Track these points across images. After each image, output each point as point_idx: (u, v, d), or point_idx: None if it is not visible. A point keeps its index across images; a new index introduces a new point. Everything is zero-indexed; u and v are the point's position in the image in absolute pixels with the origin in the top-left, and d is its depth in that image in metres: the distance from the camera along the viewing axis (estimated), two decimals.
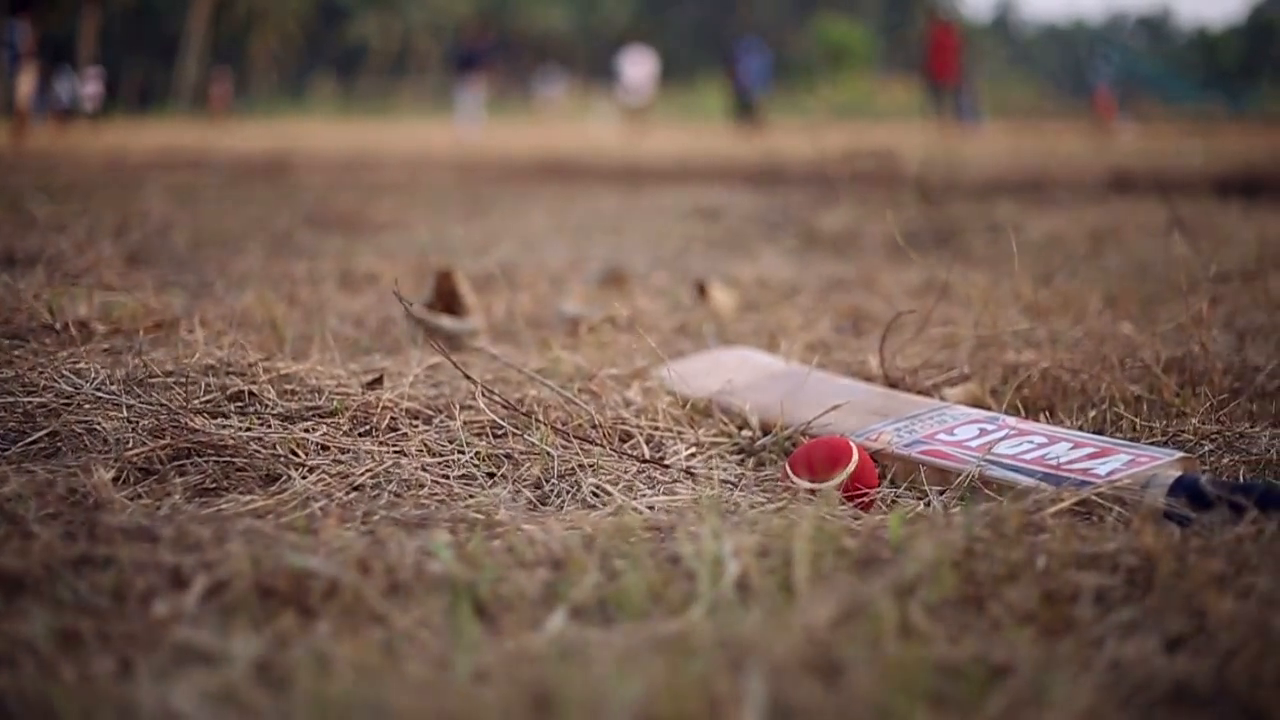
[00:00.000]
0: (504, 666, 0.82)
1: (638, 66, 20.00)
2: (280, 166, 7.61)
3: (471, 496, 1.23)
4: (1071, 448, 1.35)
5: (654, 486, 1.29)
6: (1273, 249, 3.54)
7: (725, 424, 1.52)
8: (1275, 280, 2.78)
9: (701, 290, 2.26)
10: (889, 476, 1.39)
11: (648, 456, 1.39)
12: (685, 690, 0.78)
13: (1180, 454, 1.31)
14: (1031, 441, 1.38)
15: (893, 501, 1.32)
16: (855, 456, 1.30)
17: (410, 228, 3.77)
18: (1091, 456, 1.32)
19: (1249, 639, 0.85)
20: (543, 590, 0.96)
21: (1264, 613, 0.91)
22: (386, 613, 0.91)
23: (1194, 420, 1.51)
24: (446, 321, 1.88)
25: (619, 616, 0.91)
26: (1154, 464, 1.28)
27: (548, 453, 1.32)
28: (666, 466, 1.35)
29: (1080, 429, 1.54)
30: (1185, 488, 1.19)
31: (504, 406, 1.43)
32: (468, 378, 1.42)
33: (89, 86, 21.87)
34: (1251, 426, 1.51)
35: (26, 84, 10.65)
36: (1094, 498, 1.22)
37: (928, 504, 1.29)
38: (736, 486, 1.30)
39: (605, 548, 1.03)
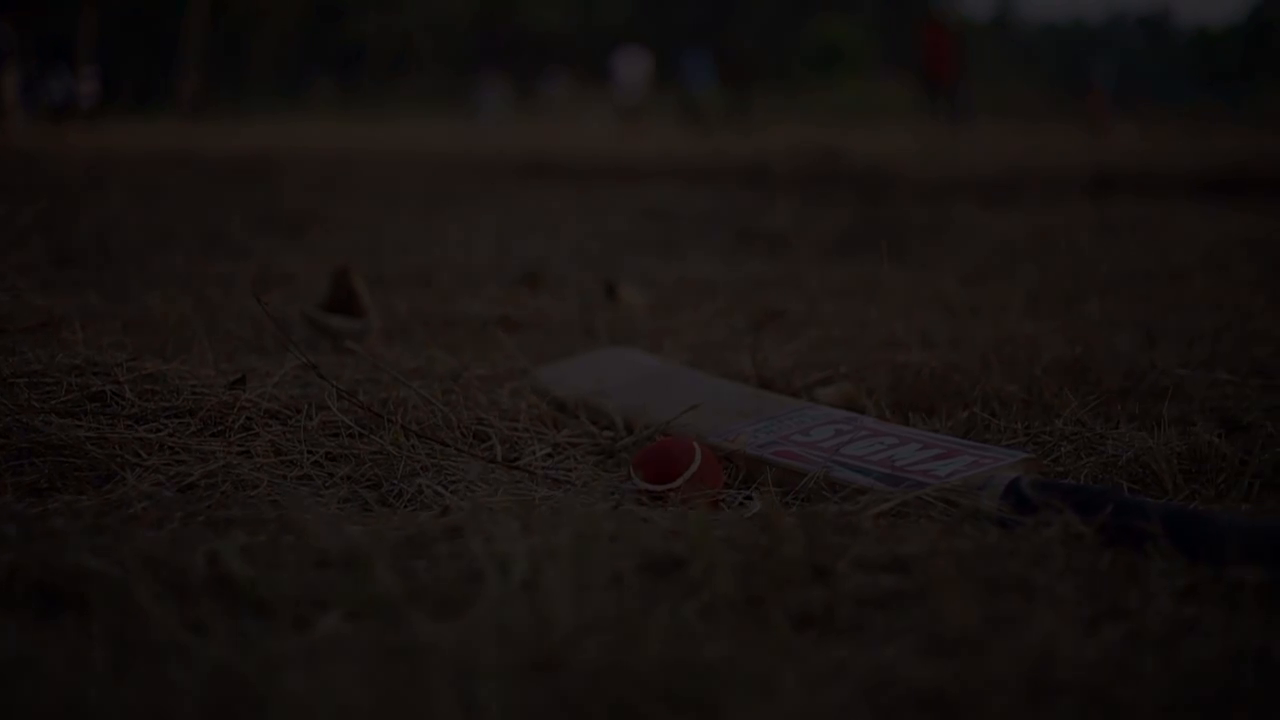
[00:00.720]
0: (255, 668, 0.81)
1: (632, 66, 20.00)
2: (262, 165, 7.60)
3: (304, 498, 1.23)
4: (920, 448, 1.34)
5: (496, 488, 1.29)
6: (1221, 249, 3.53)
7: (590, 425, 1.52)
8: (1203, 280, 2.77)
9: (611, 291, 2.25)
10: (740, 477, 1.38)
11: (499, 457, 1.38)
12: (415, 696, 0.77)
13: (1024, 455, 1.31)
14: (882, 442, 1.37)
15: (739, 503, 1.32)
16: (698, 457, 1.29)
17: (359, 227, 3.77)
18: (937, 458, 1.31)
19: (996, 643, 0.85)
20: (326, 592, 0.96)
21: (1034, 613, 0.91)
22: (156, 614, 0.91)
23: (1059, 421, 1.50)
24: (336, 321, 1.87)
25: (385, 618, 0.90)
26: (995, 465, 1.28)
27: (390, 453, 1.32)
28: (516, 468, 1.35)
29: (951, 430, 1.54)
30: (1014, 490, 1.19)
31: (359, 407, 1.42)
32: (321, 377, 1.42)
33: (85, 85, 21.85)
34: (1116, 427, 1.50)
35: (9, 84, 10.69)
36: (927, 498, 1.21)
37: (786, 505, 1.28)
38: (575, 487, 1.29)
39: (402, 548, 1.03)
